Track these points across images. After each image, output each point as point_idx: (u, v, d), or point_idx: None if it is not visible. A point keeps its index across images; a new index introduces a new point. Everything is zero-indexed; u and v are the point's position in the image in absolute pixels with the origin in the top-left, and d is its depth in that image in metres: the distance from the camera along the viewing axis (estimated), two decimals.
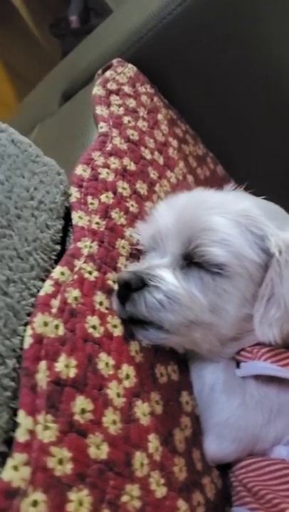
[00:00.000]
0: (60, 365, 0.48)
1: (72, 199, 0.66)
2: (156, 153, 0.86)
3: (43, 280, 0.55)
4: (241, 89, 1.07)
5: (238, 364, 0.65)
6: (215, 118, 1.10)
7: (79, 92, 1.05)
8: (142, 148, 0.83)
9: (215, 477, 0.62)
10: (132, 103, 0.89)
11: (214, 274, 0.58)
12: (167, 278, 0.58)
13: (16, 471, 0.40)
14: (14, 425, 0.43)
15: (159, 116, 0.94)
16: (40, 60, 2.04)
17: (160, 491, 0.50)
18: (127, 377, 0.54)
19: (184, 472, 0.56)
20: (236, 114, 1.11)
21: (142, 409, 0.53)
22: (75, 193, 0.66)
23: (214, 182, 1.04)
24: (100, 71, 0.99)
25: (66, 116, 1.00)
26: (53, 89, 1.18)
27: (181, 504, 0.52)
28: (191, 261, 0.59)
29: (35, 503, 0.39)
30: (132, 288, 0.57)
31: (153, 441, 0.53)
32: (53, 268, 0.57)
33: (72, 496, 0.42)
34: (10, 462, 0.40)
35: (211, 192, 0.66)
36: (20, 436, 0.42)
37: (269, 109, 1.12)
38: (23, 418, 0.43)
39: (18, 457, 0.41)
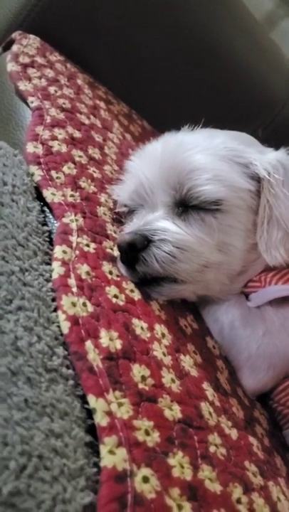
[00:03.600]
0: (105, 340, 0.45)
1: (37, 178, 0.61)
2: (91, 117, 0.82)
3: (48, 264, 0.51)
4: (148, 41, 1.05)
5: (246, 297, 0.66)
6: (128, 76, 1.07)
7: None
8: (78, 115, 0.79)
9: (260, 408, 0.62)
10: (50, 73, 0.84)
11: (214, 212, 0.57)
12: (171, 228, 0.56)
13: (113, 455, 0.37)
14: (87, 413, 0.40)
15: (79, 81, 0.90)
16: None
17: (233, 433, 0.50)
18: (163, 335, 0.52)
19: (241, 410, 0.55)
20: (148, 67, 1.08)
21: (187, 362, 0.52)
22: (37, 172, 0.62)
23: (147, 137, 1.01)
24: None
25: None
26: None
27: (252, 440, 0.52)
28: (186, 206, 0.58)
29: (146, 479, 0.37)
30: (137, 248, 0.55)
31: (208, 389, 0.52)
32: (51, 250, 0.53)
33: (172, 461, 0.40)
34: (104, 448, 0.37)
35: (180, 134, 0.64)
36: (101, 420, 0.39)
37: (179, 54, 1.10)
38: (94, 402, 0.40)
39: (108, 441, 0.38)
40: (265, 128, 1.22)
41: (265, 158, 0.59)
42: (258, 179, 0.59)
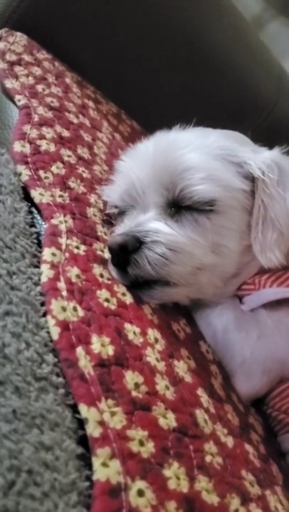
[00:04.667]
0: (96, 346, 0.43)
1: (24, 178, 0.59)
2: (80, 116, 0.81)
3: (37, 267, 0.49)
4: (136, 40, 1.03)
5: (240, 300, 0.64)
6: (115, 76, 1.05)
7: None
8: (67, 114, 0.77)
9: (254, 414, 0.61)
10: (37, 71, 0.82)
11: (208, 212, 0.55)
12: (163, 229, 0.54)
13: (107, 468, 0.35)
14: (78, 423, 0.38)
15: (67, 80, 0.88)
16: None
17: (229, 441, 0.48)
18: (156, 340, 0.51)
19: (236, 417, 0.54)
20: (136, 67, 1.07)
21: (181, 368, 0.50)
22: (24, 171, 0.60)
23: (137, 137, 1.00)
24: None
25: None
26: None
27: (248, 447, 0.51)
28: (179, 206, 0.56)
29: (141, 493, 0.35)
30: (129, 250, 0.53)
31: (203, 396, 0.50)
32: (39, 252, 0.51)
33: (167, 472, 0.38)
34: (96, 461, 0.35)
35: (172, 133, 0.63)
36: (93, 430, 0.37)
37: (168, 54, 1.09)
38: (86, 411, 0.38)
39: (101, 453, 0.36)
40: (256, 129, 1.21)
41: (259, 158, 0.58)
42: (252, 179, 0.58)
